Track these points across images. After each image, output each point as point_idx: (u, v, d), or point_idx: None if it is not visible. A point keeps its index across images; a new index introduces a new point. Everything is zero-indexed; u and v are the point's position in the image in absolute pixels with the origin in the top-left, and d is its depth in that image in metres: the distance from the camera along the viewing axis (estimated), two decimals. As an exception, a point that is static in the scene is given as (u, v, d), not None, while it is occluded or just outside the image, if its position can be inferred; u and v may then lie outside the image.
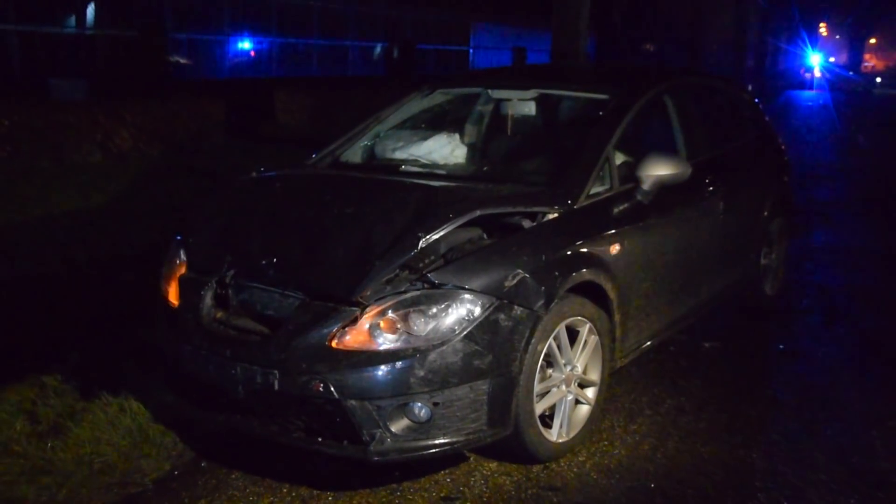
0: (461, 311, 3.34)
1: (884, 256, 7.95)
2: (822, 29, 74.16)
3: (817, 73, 57.56)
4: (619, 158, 4.42)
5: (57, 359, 4.59)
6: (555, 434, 3.78)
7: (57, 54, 19.82)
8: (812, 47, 65.08)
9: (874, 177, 13.61)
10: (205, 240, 3.99)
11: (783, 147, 6.47)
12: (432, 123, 5.18)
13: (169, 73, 18.99)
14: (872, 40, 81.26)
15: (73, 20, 21.00)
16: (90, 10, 21.02)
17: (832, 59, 78.92)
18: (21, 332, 5.06)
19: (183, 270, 3.93)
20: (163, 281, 4.03)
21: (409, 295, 3.35)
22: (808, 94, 43.50)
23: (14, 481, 3.56)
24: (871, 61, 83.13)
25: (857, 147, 18.61)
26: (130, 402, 4.15)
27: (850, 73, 59.90)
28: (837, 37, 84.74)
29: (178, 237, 4.12)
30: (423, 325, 3.31)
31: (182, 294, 3.82)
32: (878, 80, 58.16)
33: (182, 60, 21.49)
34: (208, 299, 3.69)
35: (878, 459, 3.93)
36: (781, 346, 5.40)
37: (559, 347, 3.72)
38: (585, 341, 3.87)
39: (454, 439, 3.38)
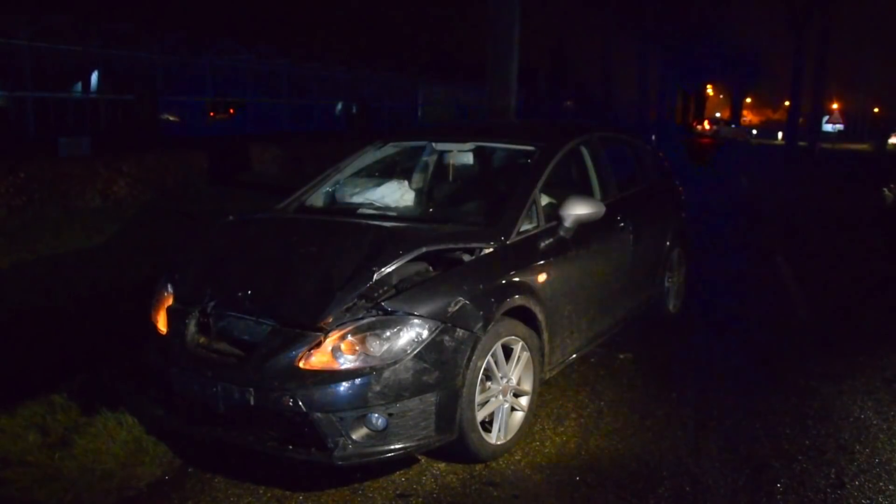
0: (411, 334, 3.30)
1: (759, 277, 8.08)
2: (709, 89, 75.99)
3: (707, 126, 58.93)
4: (545, 200, 4.43)
5: (63, 379, 4.46)
6: (494, 437, 3.73)
7: (65, 116, 19.54)
8: (701, 104, 66.58)
9: (754, 212, 13.86)
10: (188, 275, 3.92)
11: (680, 189, 6.54)
12: (384, 172, 5.15)
13: (160, 130, 18.79)
14: (749, 99, 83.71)
15: (79, 86, 20.73)
16: (94, 77, 20.77)
17: (718, 115, 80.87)
18: (33, 356, 4.93)
19: (170, 302, 3.84)
20: (153, 311, 3.94)
21: (365, 321, 3.31)
22: (700, 142, 44.37)
23: (28, 487, 3.49)
24: (748, 116, 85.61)
25: (740, 187, 18.97)
26: (127, 417, 4.03)
27: (734, 125, 61.38)
28: (721, 96, 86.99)
29: (166, 273, 4.04)
30: (378, 347, 3.27)
31: (169, 322, 3.74)
32: (754, 132, 59.75)
33: (171, 118, 21.30)
34: (192, 327, 3.62)
35: (761, 447, 3.96)
36: (682, 356, 5.43)
37: (496, 363, 3.69)
38: (519, 357, 3.84)
39: (407, 444, 3.33)
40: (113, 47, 20.69)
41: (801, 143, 34.64)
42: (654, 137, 32.24)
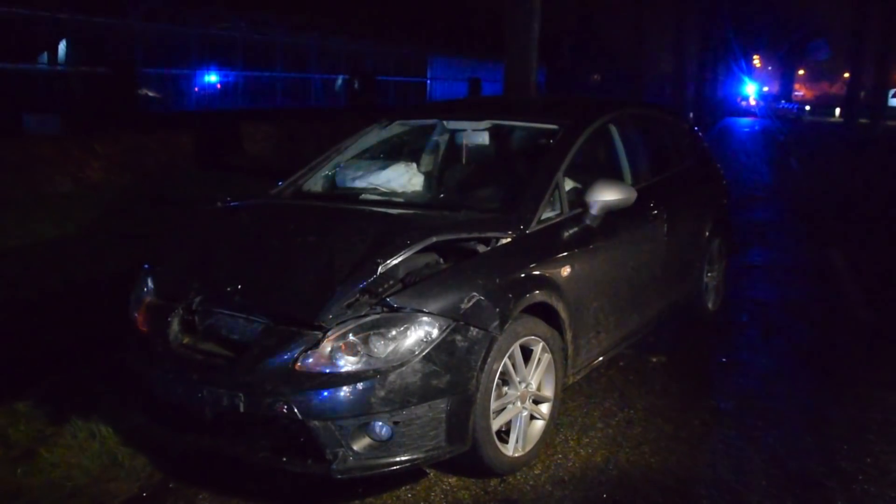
0: (419, 333, 3.32)
1: (813, 272, 8.06)
2: (756, 60, 75.47)
3: (752, 102, 58.52)
4: (569, 185, 4.44)
5: (29, 384, 4.49)
6: (511, 449, 3.75)
7: (31, 90, 19.58)
8: (747, 77, 65.98)
9: (804, 197, 13.81)
10: (172, 268, 3.95)
11: (721, 172, 6.54)
12: (390, 153, 5.17)
13: (139, 106, 18.86)
14: (801, 71, 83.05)
15: (45, 57, 20.78)
16: (62, 47, 20.82)
17: (766, 89, 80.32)
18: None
19: (151, 297, 3.87)
20: (132, 308, 3.96)
21: (369, 318, 3.32)
22: (744, 120, 44.21)
23: (-13, 505, 3.51)
24: (800, 91, 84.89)
25: (790, 169, 18.91)
26: (100, 426, 4.06)
27: (783, 101, 60.92)
28: (770, 67, 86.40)
29: (146, 265, 4.06)
30: (382, 348, 3.27)
31: (150, 320, 3.76)
32: (807, 108, 59.29)
33: (151, 94, 21.36)
34: (175, 325, 3.63)
35: (812, 463, 3.95)
36: (723, 359, 5.43)
37: (514, 366, 3.70)
38: (539, 359, 3.86)
39: (414, 456, 3.35)
40: (86, 13, 20.74)
41: (862, 121, 34.27)
42: (691, 115, 32.11)
